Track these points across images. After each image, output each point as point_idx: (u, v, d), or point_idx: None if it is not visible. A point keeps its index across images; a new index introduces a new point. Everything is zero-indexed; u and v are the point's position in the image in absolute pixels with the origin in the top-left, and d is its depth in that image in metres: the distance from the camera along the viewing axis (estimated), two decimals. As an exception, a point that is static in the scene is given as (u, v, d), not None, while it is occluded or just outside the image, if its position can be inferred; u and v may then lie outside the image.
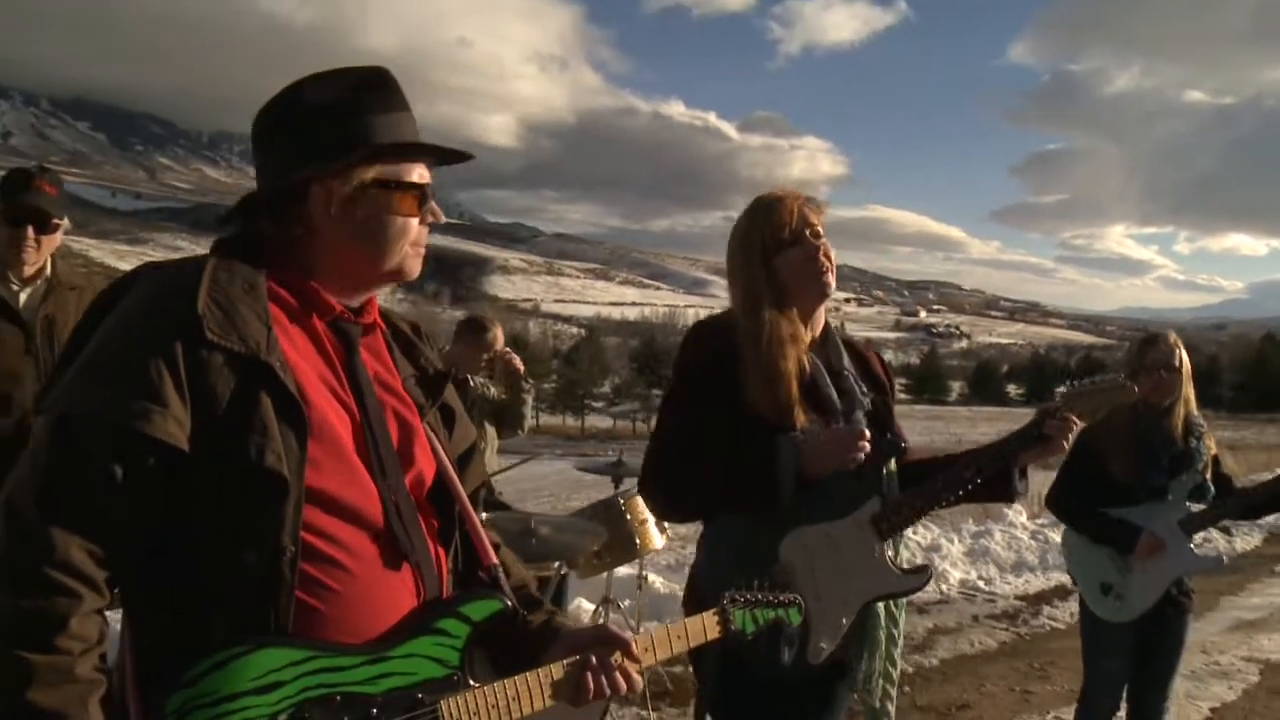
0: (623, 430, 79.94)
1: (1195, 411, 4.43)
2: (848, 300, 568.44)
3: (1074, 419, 2.74)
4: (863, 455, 2.54)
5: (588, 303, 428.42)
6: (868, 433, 2.55)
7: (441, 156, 1.92)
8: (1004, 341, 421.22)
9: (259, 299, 1.70)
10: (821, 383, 2.68)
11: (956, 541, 10.45)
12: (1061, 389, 2.82)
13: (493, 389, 6.15)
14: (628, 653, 1.85)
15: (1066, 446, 2.76)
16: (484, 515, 5.57)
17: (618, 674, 1.83)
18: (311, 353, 1.78)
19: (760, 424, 2.55)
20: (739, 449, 2.55)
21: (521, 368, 6.20)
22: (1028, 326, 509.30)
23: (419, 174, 1.85)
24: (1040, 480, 4.04)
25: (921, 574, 2.68)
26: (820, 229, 2.75)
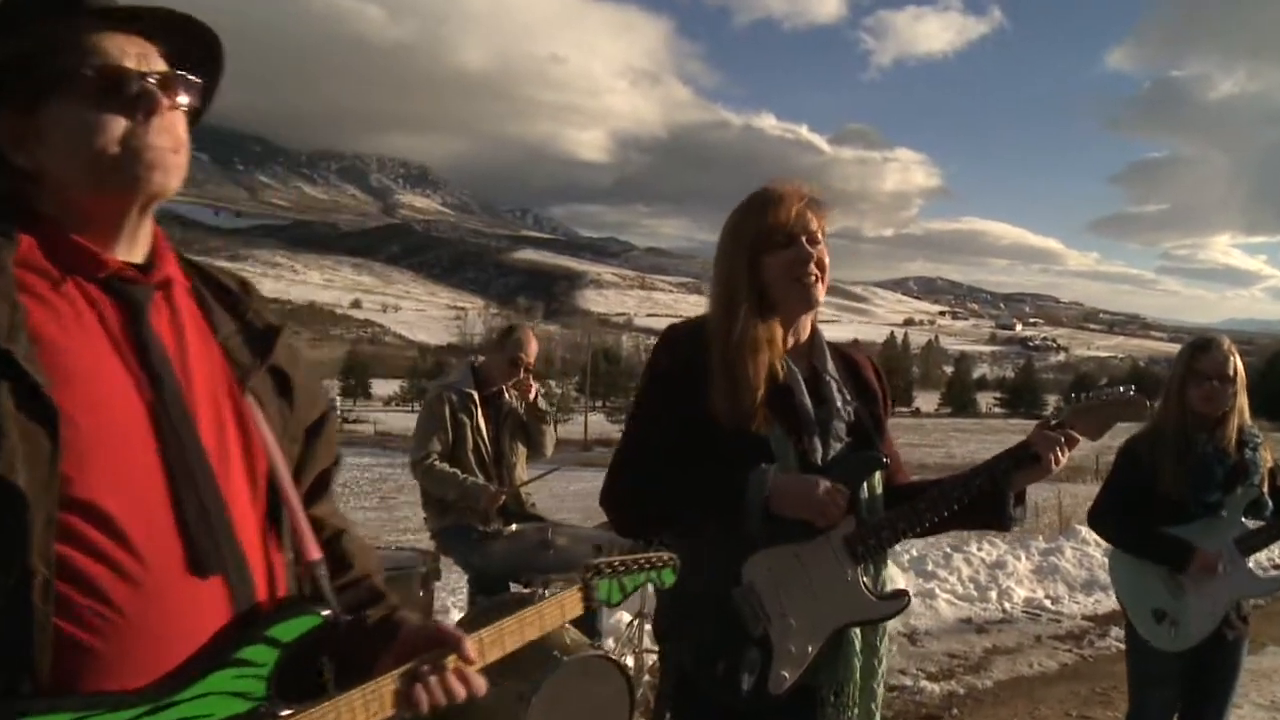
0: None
1: (1249, 422, 4.11)
2: (942, 313, 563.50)
3: (1075, 435, 2.52)
4: (831, 520, 2.37)
5: (681, 316, 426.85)
6: (840, 501, 2.36)
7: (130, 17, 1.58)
8: (1103, 355, 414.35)
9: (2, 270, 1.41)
10: (796, 390, 2.50)
11: (1024, 558, 10.04)
12: (1053, 403, 2.66)
13: (519, 405, 5.91)
14: (461, 653, 1.62)
15: (1057, 466, 2.51)
16: (513, 527, 5.49)
17: (452, 678, 1.61)
18: (85, 326, 1.49)
19: (725, 434, 2.41)
20: (707, 466, 2.41)
21: (533, 395, 5.95)
22: (1128, 339, 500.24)
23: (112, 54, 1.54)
24: (1085, 494, 3.73)
25: (899, 599, 2.49)
26: (820, 235, 2.54)
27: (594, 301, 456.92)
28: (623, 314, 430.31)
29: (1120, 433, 3.25)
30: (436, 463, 5.55)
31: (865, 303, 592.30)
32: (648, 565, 1.98)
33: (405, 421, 76.29)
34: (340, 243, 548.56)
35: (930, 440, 62.78)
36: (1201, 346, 4.10)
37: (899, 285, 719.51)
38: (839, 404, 2.55)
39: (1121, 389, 2.58)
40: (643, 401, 2.61)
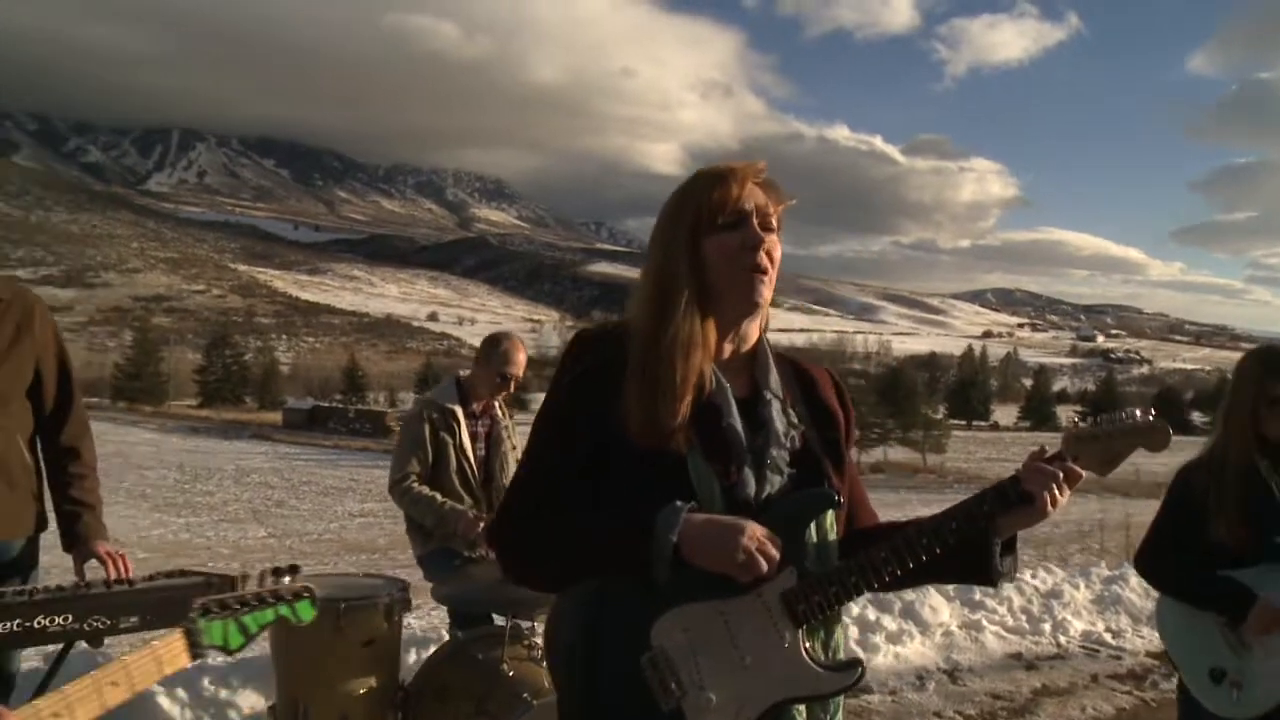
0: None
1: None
2: (1021, 325, 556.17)
3: (1077, 469, 2.08)
4: (755, 575, 1.93)
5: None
6: (771, 552, 1.92)
7: None
8: (1189, 367, 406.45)
9: None
10: (725, 410, 2.08)
11: (1084, 587, 9.27)
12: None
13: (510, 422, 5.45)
14: None
15: (1053, 508, 2.07)
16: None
17: None
18: None
19: (636, 457, 2.01)
20: (610, 500, 2.03)
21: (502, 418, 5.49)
22: (1215, 351, 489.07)
23: None
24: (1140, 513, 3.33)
25: (850, 671, 2.03)
26: (774, 220, 2.14)
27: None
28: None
29: (1173, 449, 2.68)
30: (415, 485, 5.08)
31: (942, 315, 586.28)
32: (276, 599, 1.68)
33: (476, 434, 76.45)
34: (417, 256, 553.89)
35: (1009, 455, 61.62)
36: (1273, 361, 3.46)
37: (976, 297, 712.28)
38: (780, 428, 2.12)
39: (1139, 413, 2.14)
40: (545, 416, 2.17)
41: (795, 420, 2.16)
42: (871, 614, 7.54)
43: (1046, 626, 8.35)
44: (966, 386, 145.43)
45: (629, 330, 2.12)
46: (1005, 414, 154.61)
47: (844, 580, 2.00)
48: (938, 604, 7.96)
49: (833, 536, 2.10)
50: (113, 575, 3.60)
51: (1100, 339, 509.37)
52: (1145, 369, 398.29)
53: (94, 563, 3.72)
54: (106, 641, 3.71)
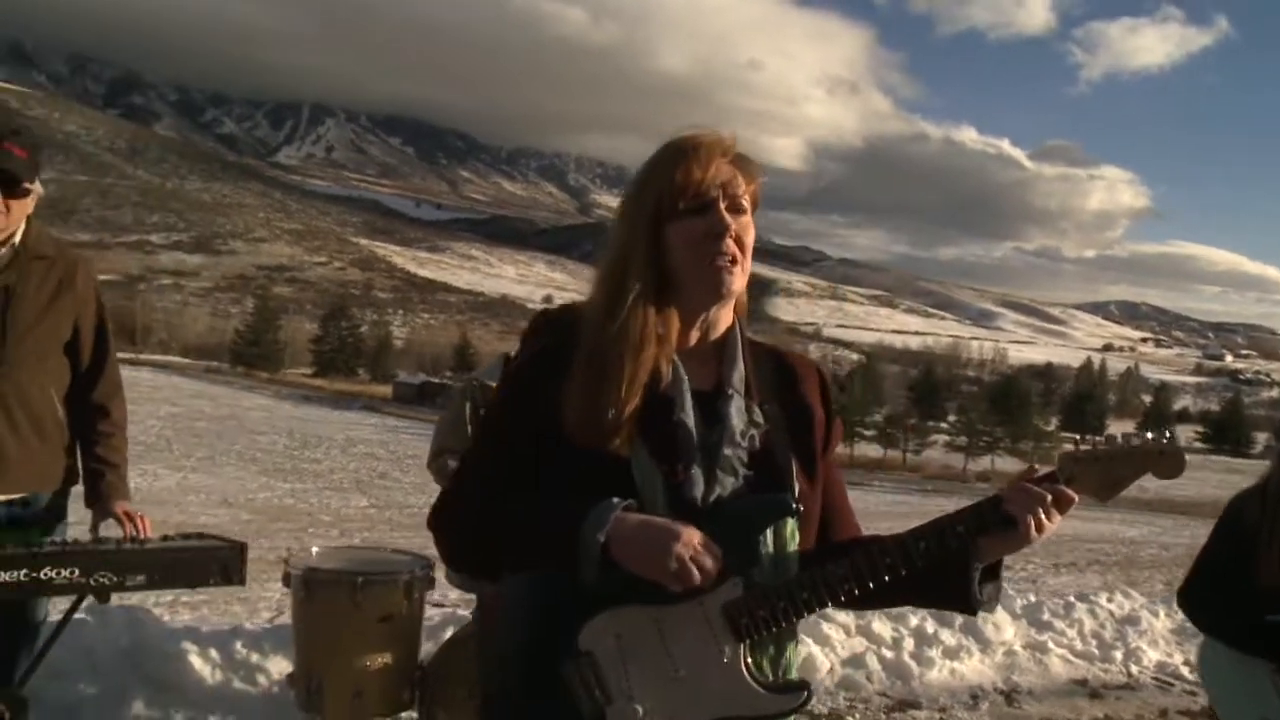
0: (892, 460, 78.26)
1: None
2: (1144, 340, 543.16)
3: (1070, 493, 1.90)
4: (688, 586, 1.78)
5: (870, 329, 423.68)
6: (707, 562, 1.77)
7: None
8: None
9: None
10: (678, 404, 1.93)
11: (1163, 615, 8.83)
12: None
13: None
14: None
15: (1039, 534, 1.89)
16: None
17: None
18: None
19: (577, 452, 1.89)
20: (547, 491, 1.92)
21: None
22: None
23: None
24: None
25: (794, 694, 1.90)
26: (745, 201, 1.98)
27: (783, 309, 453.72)
28: (811, 324, 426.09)
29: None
30: (450, 462, 4.99)
31: (1063, 325, 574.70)
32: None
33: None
34: (536, 239, 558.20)
35: (1117, 471, 59.62)
36: None
37: (1099, 309, 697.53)
38: (737, 425, 1.95)
39: (1150, 435, 1.94)
40: (495, 400, 2.11)
41: (759, 418, 1.98)
42: (930, 627, 7.27)
43: (1118, 654, 7.97)
44: (1082, 400, 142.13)
45: (584, 313, 2.01)
46: (1121, 430, 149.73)
47: (794, 596, 1.86)
48: (1001, 621, 7.65)
49: (792, 548, 1.94)
50: (128, 534, 3.68)
51: (1229, 358, 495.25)
52: (1275, 392, 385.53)
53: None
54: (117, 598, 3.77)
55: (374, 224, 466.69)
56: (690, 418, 1.93)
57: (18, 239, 3.69)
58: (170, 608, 8.76)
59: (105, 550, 3.49)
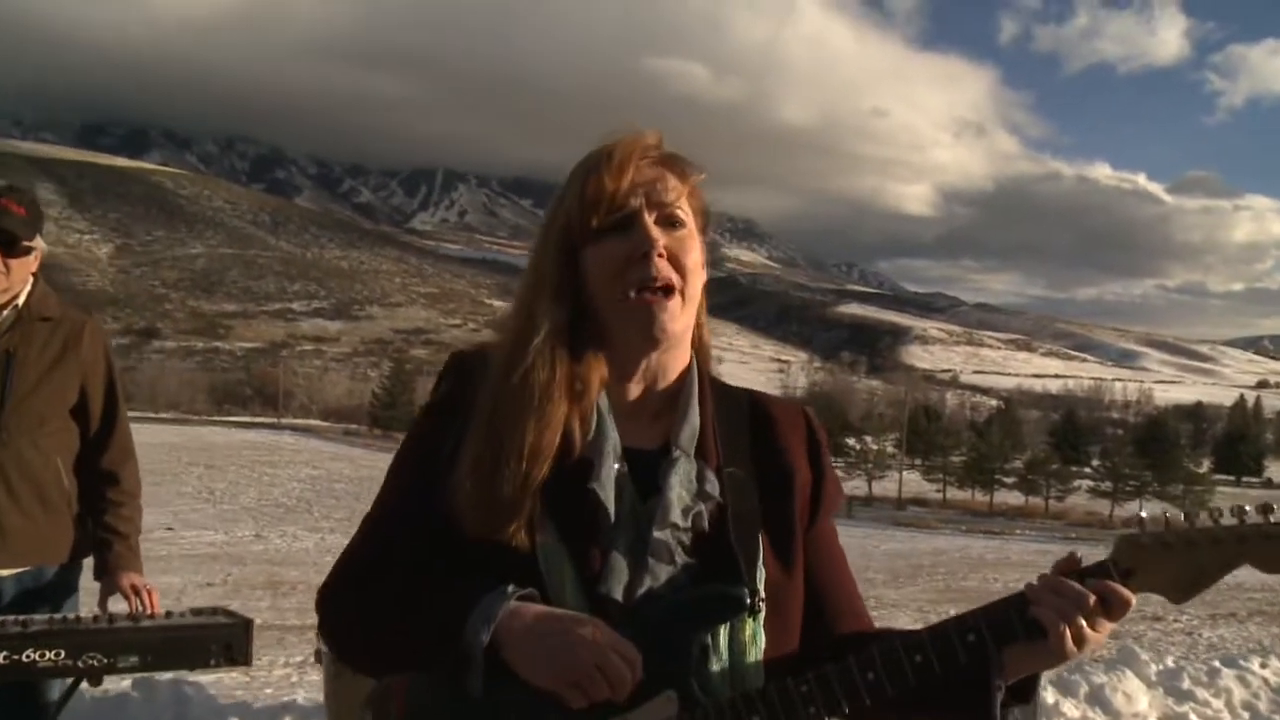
0: (1034, 508, 75.99)
1: None
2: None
3: (1124, 592, 1.47)
4: (588, 701, 1.41)
5: (1008, 374, 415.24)
6: (620, 670, 1.39)
7: None
8: None
9: None
10: (596, 469, 1.54)
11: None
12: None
13: None
14: None
15: (1078, 650, 1.47)
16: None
17: None
18: None
19: (468, 533, 1.52)
20: (437, 575, 1.54)
21: None
22: None
23: None
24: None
25: None
26: (683, 211, 1.61)
27: (919, 357, 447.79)
28: (948, 370, 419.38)
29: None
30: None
31: (1212, 362, 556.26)
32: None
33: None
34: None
35: None
36: None
37: (1251, 344, 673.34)
38: (675, 498, 1.55)
39: (1250, 510, 1.48)
40: (396, 456, 1.70)
41: (712, 487, 1.57)
42: (1050, 696, 6.58)
43: (1273, 730, 7.15)
44: (1236, 440, 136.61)
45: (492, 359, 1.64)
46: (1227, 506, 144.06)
47: (747, 716, 1.47)
48: (1134, 690, 6.92)
49: (755, 654, 1.54)
50: (134, 609, 3.48)
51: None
52: None
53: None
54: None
55: (506, 285, 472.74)
56: (608, 488, 1.53)
57: (21, 300, 3.56)
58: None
59: (95, 629, 3.25)
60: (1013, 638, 1.47)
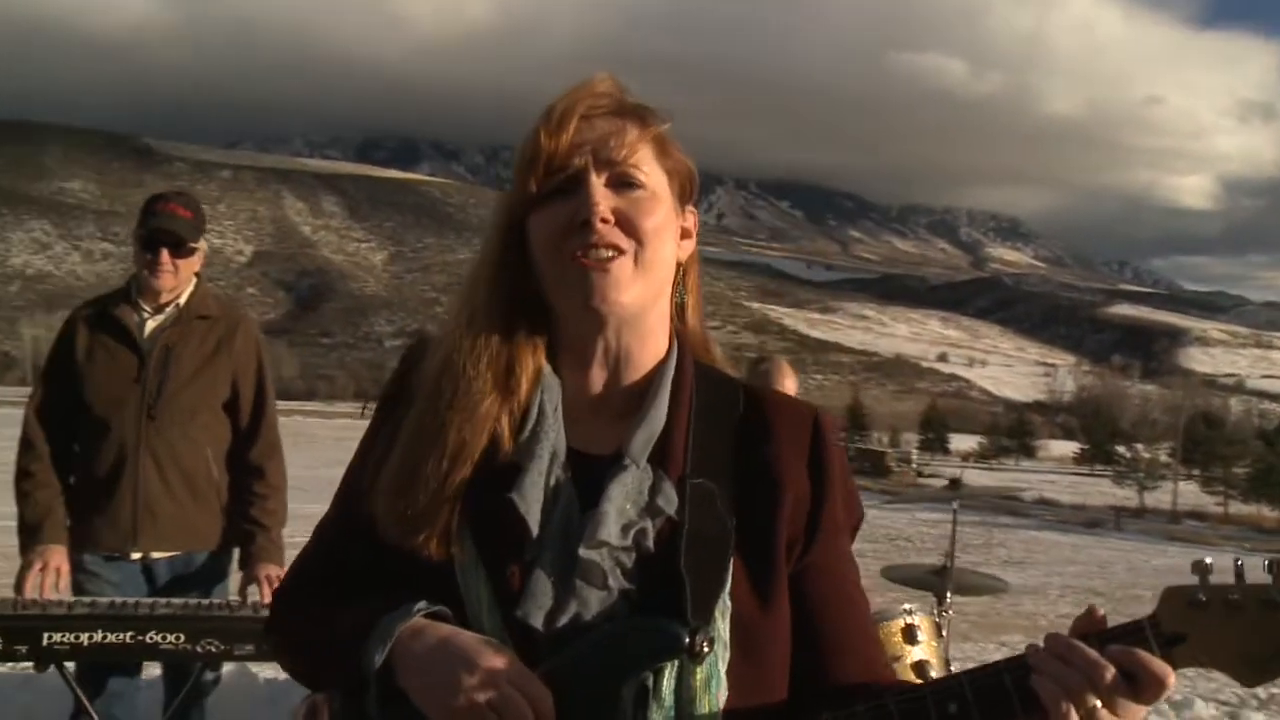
0: (1330, 524, 70.62)
1: None
2: None
3: (1156, 665, 1.13)
4: None
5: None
6: (520, 709, 1.19)
7: None
8: None
9: None
10: (523, 474, 1.33)
11: None
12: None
13: None
14: None
15: None
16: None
17: None
18: None
19: (389, 549, 1.36)
20: (361, 592, 1.39)
21: None
22: None
23: None
24: None
25: None
26: (640, 171, 1.36)
27: (1198, 360, 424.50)
28: (1232, 375, 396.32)
29: None
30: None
31: None
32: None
33: (982, 479, 74.21)
34: (929, 296, 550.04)
35: None
36: None
37: None
38: (617, 512, 1.31)
39: None
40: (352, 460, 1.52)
41: (666, 502, 1.32)
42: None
43: None
44: None
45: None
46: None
47: None
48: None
49: (706, 706, 1.27)
50: (265, 600, 3.62)
51: None
52: None
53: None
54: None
55: (765, 287, 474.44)
56: (530, 498, 1.32)
57: (183, 299, 3.82)
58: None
59: (216, 616, 3.37)
60: (1006, 712, 1.20)
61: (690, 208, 1.45)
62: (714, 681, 1.27)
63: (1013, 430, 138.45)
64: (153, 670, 3.87)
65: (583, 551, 1.28)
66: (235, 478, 3.80)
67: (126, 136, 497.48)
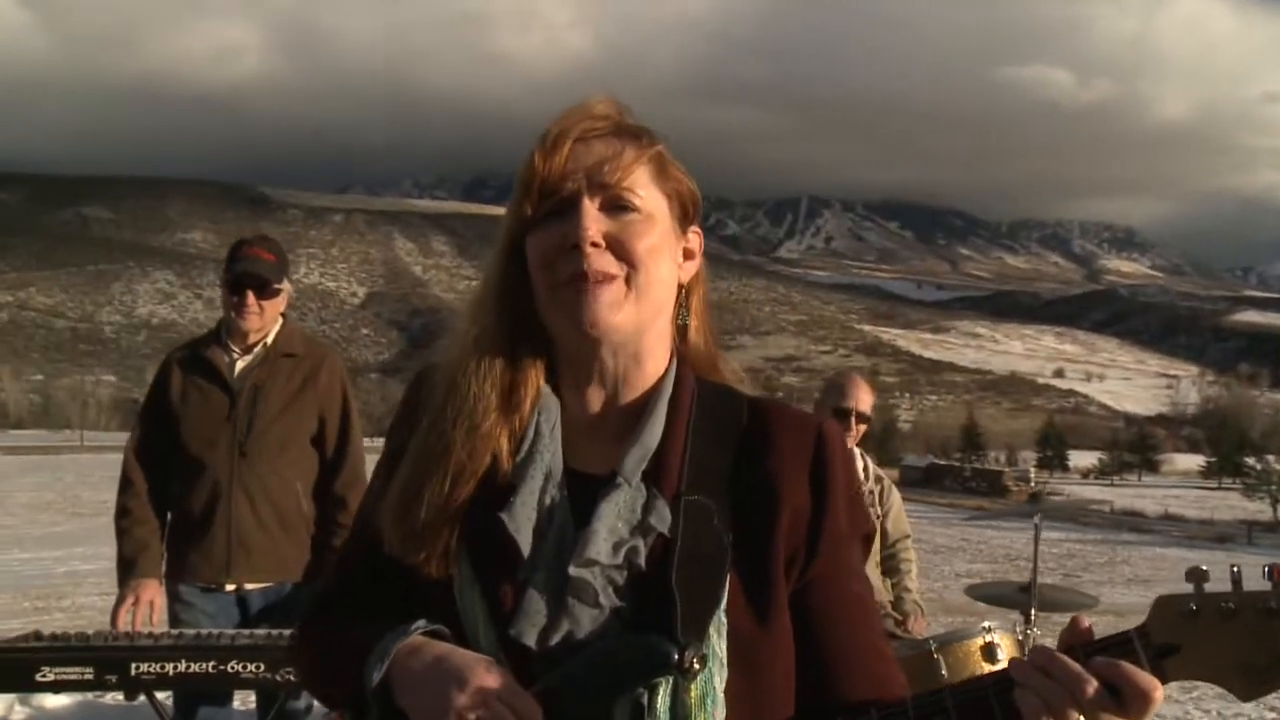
0: None
1: None
2: None
3: (1143, 679, 1.10)
4: None
5: None
6: None
7: None
8: None
9: None
10: (517, 494, 1.34)
11: None
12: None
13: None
14: None
15: None
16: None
17: None
18: None
19: (394, 567, 1.39)
20: (366, 610, 1.43)
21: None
22: None
23: None
24: None
25: None
26: (635, 195, 1.36)
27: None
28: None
29: None
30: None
31: None
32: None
33: (1102, 494, 72.48)
34: (1042, 311, 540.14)
35: None
36: None
37: None
38: (607, 531, 1.32)
39: None
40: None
41: (658, 520, 1.32)
42: None
43: None
44: None
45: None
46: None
47: None
48: None
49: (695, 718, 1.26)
50: None
51: None
52: None
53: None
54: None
55: (876, 309, 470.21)
56: (520, 517, 1.33)
57: (270, 339, 3.99)
58: None
59: None
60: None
61: (694, 228, 1.45)
62: (710, 699, 1.26)
63: (1134, 445, 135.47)
64: (249, 699, 4.05)
65: (573, 570, 1.28)
66: (321, 508, 3.91)
67: (241, 186, 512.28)
